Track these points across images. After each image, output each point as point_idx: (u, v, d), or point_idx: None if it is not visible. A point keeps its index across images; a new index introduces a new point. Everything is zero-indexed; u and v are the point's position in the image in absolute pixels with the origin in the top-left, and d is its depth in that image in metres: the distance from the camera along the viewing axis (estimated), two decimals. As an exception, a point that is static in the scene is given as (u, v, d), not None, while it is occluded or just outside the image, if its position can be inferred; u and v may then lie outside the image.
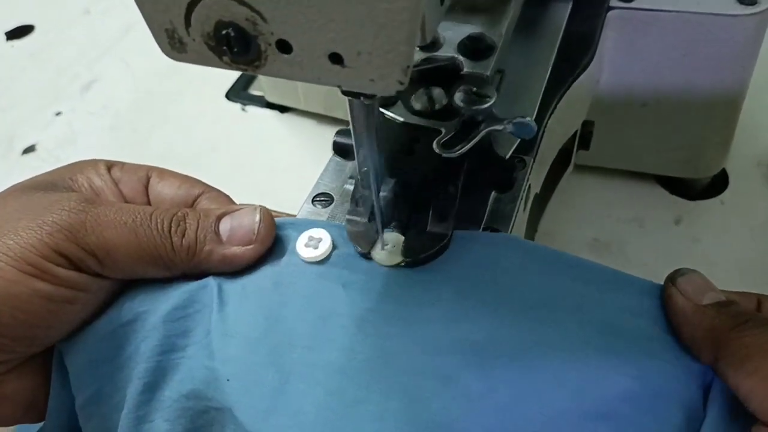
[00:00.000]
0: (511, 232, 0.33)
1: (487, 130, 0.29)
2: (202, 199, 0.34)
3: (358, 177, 0.30)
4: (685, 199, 0.52)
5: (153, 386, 0.29)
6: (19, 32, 0.74)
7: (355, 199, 0.30)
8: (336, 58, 0.21)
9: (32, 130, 0.62)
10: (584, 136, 0.47)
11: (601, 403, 0.27)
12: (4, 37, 0.74)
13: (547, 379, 0.27)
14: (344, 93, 0.24)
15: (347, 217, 0.30)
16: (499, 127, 0.29)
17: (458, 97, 0.29)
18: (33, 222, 0.29)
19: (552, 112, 0.38)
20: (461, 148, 0.28)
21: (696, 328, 0.29)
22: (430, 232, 0.29)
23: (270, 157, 0.58)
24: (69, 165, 0.34)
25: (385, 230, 0.30)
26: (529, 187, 0.36)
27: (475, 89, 0.29)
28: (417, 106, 0.31)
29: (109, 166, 0.34)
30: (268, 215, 0.31)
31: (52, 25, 0.75)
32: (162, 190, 0.34)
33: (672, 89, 0.46)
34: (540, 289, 0.29)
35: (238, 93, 0.62)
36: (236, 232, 0.31)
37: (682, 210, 0.51)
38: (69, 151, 0.60)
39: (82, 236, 0.29)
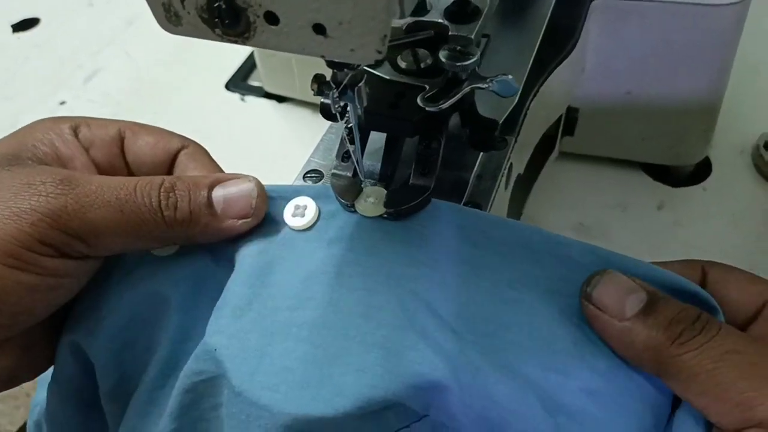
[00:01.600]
0: (491, 206, 0.34)
1: (470, 87, 0.31)
2: (181, 156, 0.33)
3: (344, 133, 0.31)
4: (669, 186, 0.53)
5: (167, 371, 0.30)
6: (25, 25, 0.76)
7: (341, 155, 0.32)
8: (319, 29, 0.23)
9: (37, 118, 0.63)
10: (569, 122, 0.48)
11: (564, 394, 0.27)
12: (11, 29, 0.76)
13: (514, 358, 0.28)
14: (328, 65, 0.26)
15: (333, 171, 0.32)
16: (482, 85, 0.31)
17: (443, 55, 0.31)
18: (8, 210, 0.27)
19: (534, 96, 0.39)
20: (444, 103, 0.30)
21: (629, 348, 0.27)
22: (412, 184, 0.31)
23: (267, 144, 0.60)
24: (28, 127, 0.33)
25: (369, 183, 0.31)
26: (511, 165, 0.37)
27: (459, 47, 0.31)
28: (403, 65, 0.32)
29: (75, 126, 0.32)
30: (262, 188, 0.31)
31: (56, 18, 0.77)
32: (139, 150, 0.33)
33: (655, 78, 0.48)
34: (517, 267, 0.30)
35: (237, 83, 0.64)
36: (232, 204, 0.30)
37: (665, 196, 0.53)
38: (72, 138, 0.62)
39: (66, 221, 0.27)
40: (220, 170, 0.34)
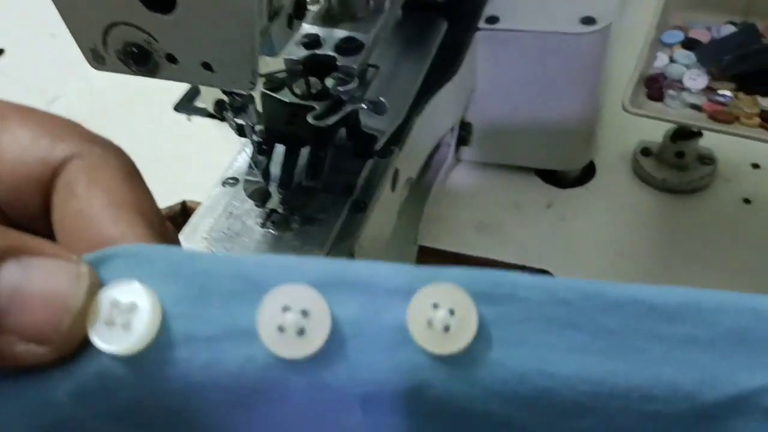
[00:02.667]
0: (376, 201, 0.42)
1: (351, 107, 0.39)
2: (71, 166, 0.21)
3: (255, 146, 0.39)
4: (557, 188, 0.61)
5: None
6: (-9, 55, 0.83)
7: (251, 163, 0.40)
8: (207, 66, 0.30)
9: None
10: (462, 135, 0.56)
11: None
12: (-22, 59, 0.82)
13: None
14: (223, 92, 0.34)
15: (245, 177, 0.39)
16: (361, 105, 0.39)
17: (329, 82, 0.39)
18: None
19: (420, 112, 0.47)
20: (329, 120, 0.38)
21: None
22: (304, 185, 0.39)
23: (211, 161, 0.67)
24: None
25: (272, 186, 0.39)
26: (397, 171, 0.45)
27: (341, 76, 0.39)
28: (298, 91, 0.40)
29: None
30: (93, 278, 0.18)
31: (21, 48, 0.84)
32: (4, 146, 0.20)
33: (535, 96, 0.56)
34: None
35: (185, 105, 0.72)
36: (25, 308, 0.17)
37: (554, 196, 0.61)
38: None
39: None
40: (143, 191, 0.22)
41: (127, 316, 0.17)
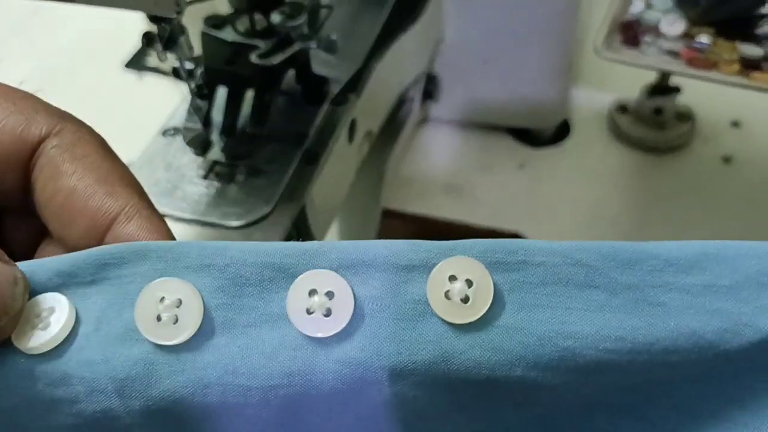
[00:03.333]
0: (330, 153, 0.38)
1: (299, 46, 0.35)
2: (49, 144, 0.21)
3: (194, 89, 0.35)
4: (530, 147, 0.58)
5: None
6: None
7: (190, 109, 0.36)
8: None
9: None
10: (428, 88, 0.53)
11: None
12: None
13: None
14: (150, 19, 0.30)
15: (184, 125, 0.36)
16: (311, 44, 0.35)
17: (275, 18, 0.35)
18: None
19: (380, 58, 0.43)
20: (276, 58, 0.34)
21: None
22: (248, 133, 0.35)
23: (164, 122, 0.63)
24: None
25: (214, 134, 0.35)
26: (354, 121, 0.41)
27: (288, 12, 0.35)
28: (241, 28, 0.36)
29: None
30: (26, 282, 0.19)
31: (-38, 7, 0.78)
32: None
33: (507, 49, 0.53)
34: None
35: (136, 63, 0.67)
36: None
37: (527, 156, 0.57)
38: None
39: None
40: (118, 165, 0.22)
41: (174, 311, 0.19)
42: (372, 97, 0.43)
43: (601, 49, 0.44)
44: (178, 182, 0.37)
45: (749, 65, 0.45)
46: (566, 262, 0.19)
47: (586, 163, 0.57)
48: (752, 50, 0.46)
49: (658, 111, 0.57)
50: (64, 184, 0.21)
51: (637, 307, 0.19)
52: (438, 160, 0.57)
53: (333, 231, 0.50)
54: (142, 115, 0.64)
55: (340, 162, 0.40)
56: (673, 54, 0.45)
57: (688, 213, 0.54)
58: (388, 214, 0.54)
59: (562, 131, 0.59)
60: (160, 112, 0.64)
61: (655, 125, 0.57)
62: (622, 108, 0.58)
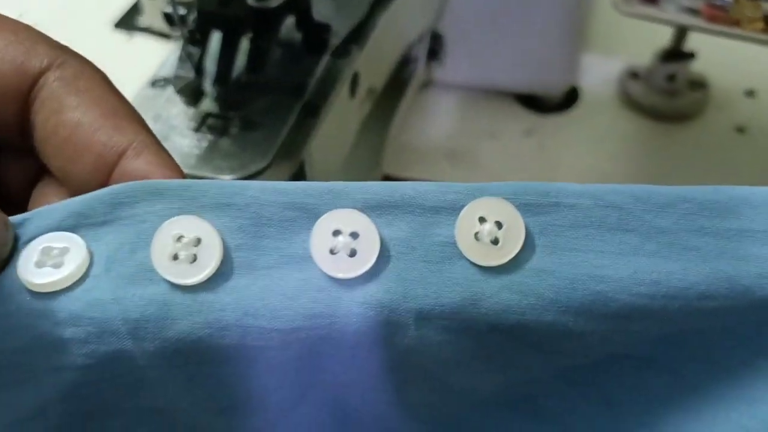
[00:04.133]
0: (330, 106, 0.36)
1: None
2: (51, 76, 0.20)
3: (185, 34, 0.32)
4: (538, 114, 0.56)
5: None
6: None
7: (181, 56, 0.33)
8: None
9: None
10: (433, 48, 0.50)
11: None
12: None
13: None
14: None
15: (175, 73, 0.33)
16: None
17: None
18: None
19: (384, 9, 0.41)
20: (273, 1, 0.31)
21: None
22: (244, 82, 0.32)
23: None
24: None
25: (207, 83, 0.33)
26: (357, 74, 0.39)
27: None
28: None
29: None
30: (11, 227, 0.18)
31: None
32: None
33: (515, 7, 0.50)
34: None
35: (126, 23, 0.64)
36: None
37: (534, 123, 0.55)
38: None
39: None
40: (123, 99, 0.22)
41: (192, 250, 0.18)
42: (375, 50, 0.41)
43: (620, 2, 0.42)
44: (168, 134, 0.34)
45: (772, 25, 0.43)
46: (598, 204, 0.19)
47: (595, 130, 0.55)
48: (775, 10, 0.43)
49: (670, 78, 0.54)
50: (69, 117, 0.20)
51: (671, 251, 0.18)
52: (441, 125, 0.54)
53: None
54: (132, 76, 0.61)
55: (342, 117, 0.38)
56: (693, 11, 0.43)
57: (699, 183, 0.52)
58: (389, 180, 0.52)
59: (570, 98, 0.57)
60: (150, 72, 0.62)
61: (668, 93, 0.55)
62: (633, 74, 0.56)
